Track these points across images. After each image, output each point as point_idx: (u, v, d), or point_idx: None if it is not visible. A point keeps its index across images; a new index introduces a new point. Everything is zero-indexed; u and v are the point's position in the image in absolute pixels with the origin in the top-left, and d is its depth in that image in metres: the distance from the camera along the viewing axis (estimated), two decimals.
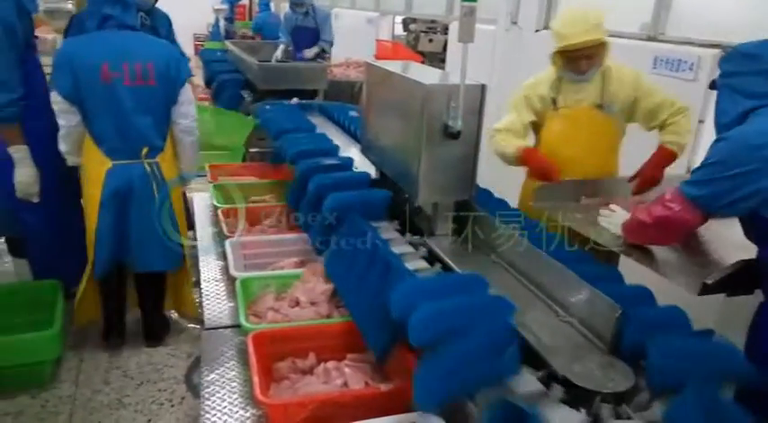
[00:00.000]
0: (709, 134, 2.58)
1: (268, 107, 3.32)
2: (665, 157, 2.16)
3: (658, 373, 1.01)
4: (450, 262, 1.52)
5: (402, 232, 1.75)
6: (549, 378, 1.07)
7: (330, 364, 1.46)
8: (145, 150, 2.34)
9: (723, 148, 1.44)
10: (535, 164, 2.24)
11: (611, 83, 2.19)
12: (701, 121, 2.50)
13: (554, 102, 2.25)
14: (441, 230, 1.70)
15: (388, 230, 1.75)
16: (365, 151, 2.15)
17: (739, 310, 1.59)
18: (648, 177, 2.14)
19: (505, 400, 0.95)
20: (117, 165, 2.32)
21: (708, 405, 0.91)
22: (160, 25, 3.08)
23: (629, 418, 0.98)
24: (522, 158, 2.25)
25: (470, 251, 1.60)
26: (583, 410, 0.98)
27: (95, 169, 2.34)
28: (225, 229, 2.22)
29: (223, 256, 2.10)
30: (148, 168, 2.35)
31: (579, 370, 1.06)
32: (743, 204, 1.41)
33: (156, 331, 2.73)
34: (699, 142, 2.49)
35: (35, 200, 2.51)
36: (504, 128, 2.30)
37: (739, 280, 1.46)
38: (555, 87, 2.25)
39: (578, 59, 2.13)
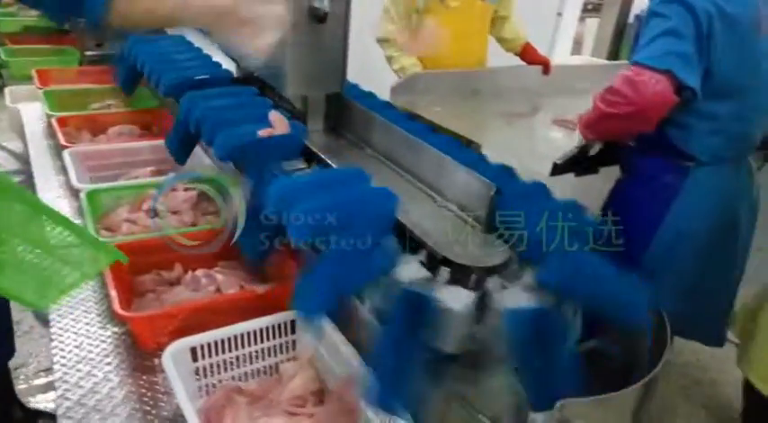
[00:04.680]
0: (566, 26, 2.69)
1: None
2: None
3: (529, 243, 1.05)
4: (325, 158, 1.44)
5: None
6: (433, 262, 1.06)
7: (199, 272, 1.36)
8: None
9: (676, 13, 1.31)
10: None
11: None
12: (559, 14, 2.58)
13: None
14: (313, 127, 1.60)
15: None
16: (224, 46, 1.94)
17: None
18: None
19: (403, 288, 0.93)
20: None
21: (574, 259, 0.96)
22: None
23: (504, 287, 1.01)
24: None
25: (345, 146, 1.53)
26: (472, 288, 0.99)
27: None
28: (62, 138, 1.93)
29: (63, 170, 1.84)
30: None
31: (458, 250, 1.06)
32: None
33: None
34: (558, 34, 2.57)
35: None
36: (395, 39, 2.22)
37: (586, 160, 1.54)
38: None
39: None
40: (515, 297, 0.98)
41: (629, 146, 1.53)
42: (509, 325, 0.90)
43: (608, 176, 1.68)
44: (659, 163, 1.47)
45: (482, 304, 0.99)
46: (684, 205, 1.43)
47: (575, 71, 2.27)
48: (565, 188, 1.72)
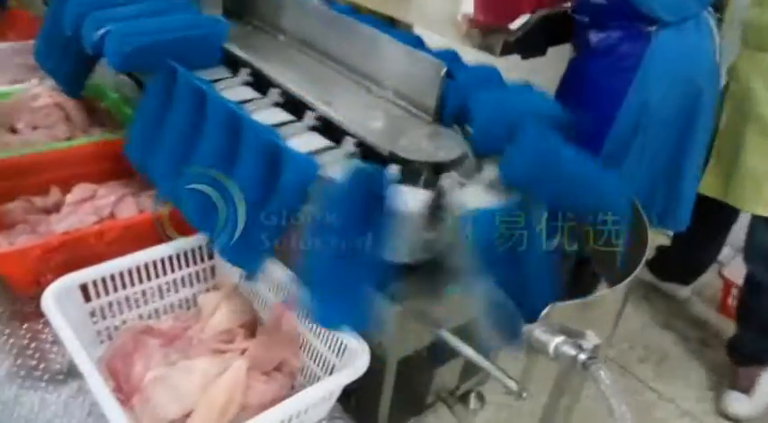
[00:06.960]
0: None
1: None
2: None
3: (485, 132, 0.90)
4: (233, 50, 1.17)
5: None
6: (376, 161, 0.89)
7: (84, 193, 1.10)
8: None
9: None
10: None
11: None
12: None
13: None
14: (210, 12, 1.31)
15: None
16: None
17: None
18: None
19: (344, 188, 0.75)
20: None
21: (541, 149, 0.82)
22: None
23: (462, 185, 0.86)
24: None
25: (253, 34, 1.27)
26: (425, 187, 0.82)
27: None
28: None
29: None
30: None
31: (406, 144, 0.89)
32: None
33: None
34: None
35: None
36: None
37: (535, 41, 1.41)
38: None
39: None
40: (477, 196, 0.83)
41: (582, 21, 1.40)
42: (472, 229, 0.75)
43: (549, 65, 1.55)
44: (617, 33, 1.36)
45: (437, 205, 0.83)
46: (649, 73, 1.34)
47: None
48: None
